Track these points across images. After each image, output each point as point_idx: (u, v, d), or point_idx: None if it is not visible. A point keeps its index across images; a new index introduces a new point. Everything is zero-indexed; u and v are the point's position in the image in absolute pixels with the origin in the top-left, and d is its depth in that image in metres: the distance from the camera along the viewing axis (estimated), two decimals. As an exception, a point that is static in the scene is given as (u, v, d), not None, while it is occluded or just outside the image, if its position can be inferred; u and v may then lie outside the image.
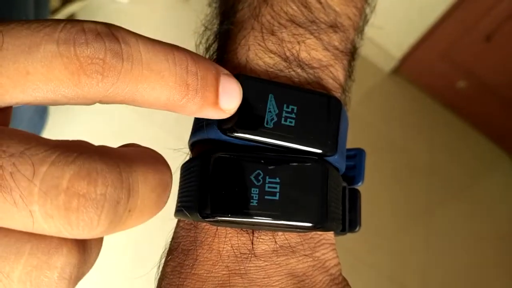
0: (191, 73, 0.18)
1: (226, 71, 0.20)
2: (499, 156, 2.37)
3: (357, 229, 0.26)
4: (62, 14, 1.66)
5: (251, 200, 0.20)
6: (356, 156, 0.27)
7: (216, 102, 0.19)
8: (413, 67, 2.35)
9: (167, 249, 0.24)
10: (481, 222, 2.06)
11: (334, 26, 0.26)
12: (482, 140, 2.37)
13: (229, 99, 0.19)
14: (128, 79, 0.16)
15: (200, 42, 0.29)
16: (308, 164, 0.21)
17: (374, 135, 2.06)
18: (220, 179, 0.21)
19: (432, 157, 2.20)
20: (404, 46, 2.28)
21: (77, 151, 0.15)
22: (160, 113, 1.69)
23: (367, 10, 0.29)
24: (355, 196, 0.26)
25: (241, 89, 0.20)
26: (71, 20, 0.16)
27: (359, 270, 1.63)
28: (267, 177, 0.21)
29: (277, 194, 0.21)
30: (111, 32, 0.16)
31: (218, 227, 0.22)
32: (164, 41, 0.18)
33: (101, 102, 0.17)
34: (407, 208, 1.96)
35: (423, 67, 2.33)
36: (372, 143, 1.97)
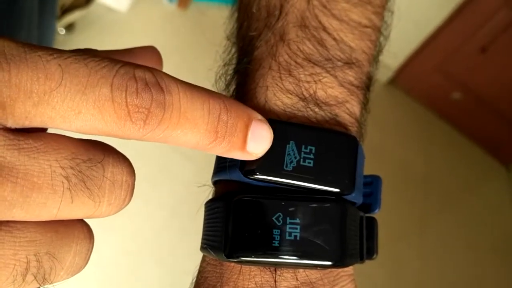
0: (222, 121, 0.19)
1: (260, 117, 0.21)
2: (494, 167, 2.38)
3: (374, 256, 0.26)
4: (61, 23, 1.67)
5: (273, 241, 0.21)
6: (373, 183, 0.28)
7: (243, 147, 0.20)
8: (409, 78, 2.36)
9: (194, 282, 0.25)
10: (475, 233, 2.07)
11: (349, 63, 0.26)
12: (477, 150, 2.38)
13: (257, 144, 0.20)
14: (165, 126, 0.17)
15: (220, 77, 0.29)
16: (327, 204, 0.22)
17: (370, 145, 2.06)
18: (243, 221, 0.22)
19: (427, 167, 2.21)
20: (400, 57, 2.29)
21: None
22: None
23: (381, 39, 0.30)
24: (372, 224, 0.27)
25: (271, 134, 0.21)
26: (123, 64, 0.17)
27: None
28: (288, 218, 0.22)
29: (298, 234, 0.22)
30: (157, 82, 0.17)
31: (242, 266, 0.23)
32: (201, 87, 0.19)
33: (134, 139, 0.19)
34: (401, 218, 1.97)
35: (419, 79, 2.35)
36: (367, 153, 1.97)
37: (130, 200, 0.19)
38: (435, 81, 2.31)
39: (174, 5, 2.14)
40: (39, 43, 0.49)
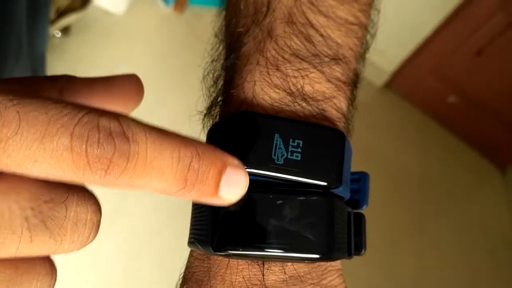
0: (193, 169, 0.18)
1: (236, 162, 0.20)
2: (490, 170, 2.39)
3: (362, 252, 0.27)
4: (57, 26, 1.67)
5: (261, 234, 0.21)
6: (360, 180, 0.28)
7: (214, 193, 0.19)
8: (405, 82, 2.37)
9: (181, 278, 0.25)
10: (471, 236, 2.07)
11: (336, 59, 0.27)
12: (473, 154, 2.39)
13: (231, 190, 0.20)
14: (129, 176, 0.17)
15: (207, 74, 0.29)
16: (314, 198, 0.22)
17: (366, 149, 2.07)
18: (230, 214, 0.22)
19: (423, 171, 2.21)
20: (396, 61, 2.30)
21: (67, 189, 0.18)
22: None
23: (368, 37, 0.30)
24: (359, 220, 0.27)
25: (247, 180, 0.20)
26: (88, 111, 0.17)
27: (348, 284, 1.63)
28: (275, 211, 0.22)
29: (286, 227, 0.22)
30: (122, 131, 0.17)
31: (230, 259, 0.23)
32: (175, 132, 0.19)
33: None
34: (397, 221, 1.97)
35: (415, 82, 2.36)
36: (363, 156, 1.98)
37: (94, 237, 0.19)
38: (431, 85, 2.32)
39: (170, 8, 2.14)
40: (30, 48, 0.48)
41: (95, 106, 0.17)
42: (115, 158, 0.17)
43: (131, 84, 0.25)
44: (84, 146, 0.16)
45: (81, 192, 0.18)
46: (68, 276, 1.35)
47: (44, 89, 0.22)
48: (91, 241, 0.19)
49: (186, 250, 0.26)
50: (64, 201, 0.17)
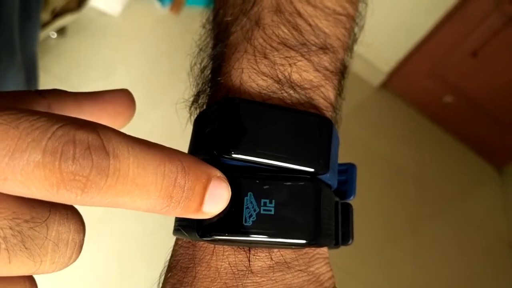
0: (178, 186, 0.18)
1: (219, 174, 0.20)
2: (486, 170, 2.39)
3: (349, 242, 0.26)
4: (52, 27, 1.66)
5: (247, 219, 0.21)
6: (348, 171, 0.28)
7: (198, 209, 0.19)
8: (401, 82, 2.38)
9: (166, 267, 0.25)
10: (467, 236, 2.08)
11: (324, 48, 0.27)
12: (470, 154, 2.40)
13: (214, 204, 0.19)
14: (109, 194, 0.16)
15: (195, 64, 0.29)
16: (302, 183, 0.22)
17: (362, 149, 2.07)
18: None
19: (419, 171, 2.22)
20: (392, 61, 2.31)
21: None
22: (147, 128, 1.69)
23: (356, 29, 0.30)
24: (347, 210, 0.27)
25: (229, 193, 0.20)
26: (63, 123, 0.15)
27: (345, 284, 1.63)
28: (262, 196, 0.22)
29: (272, 213, 0.21)
30: (102, 145, 0.16)
31: (216, 245, 0.23)
32: (160, 144, 0.18)
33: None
34: (394, 221, 1.97)
35: (411, 82, 2.36)
36: (359, 156, 1.98)
37: (77, 257, 0.18)
38: (427, 85, 2.33)
39: (166, 9, 2.14)
40: (22, 50, 0.48)
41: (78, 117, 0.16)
42: (93, 176, 0.15)
43: (122, 99, 0.24)
44: (57, 162, 0.15)
45: (64, 210, 0.17)
46: (63, 277, 1.34)
47: (32, 103, 0.21)
48: (74, 261, 0.18)
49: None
50: (45, 220, 0.16)
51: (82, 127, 0.16)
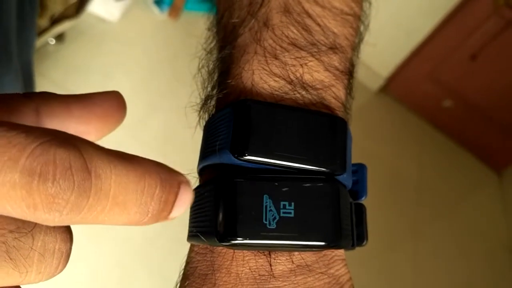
0: (156, 198, 0.17)
1: (185, 179, 0.19)
2: (486, 174, 2.39)
3: (364, 243, 0.26)
4: (51, 33, 1.66)
5: (267, 223, 0.21)
6: (358, 171, 0.28)
7: (167, 217, 0.18)
8: (400, 86, 2.38)
9: (181, 275, 0.24)
10: (468, 239, 2.07)
11: (333, 48, 0.26)
12: (469, 158, 2.39)
13: (180, 209, 0.19)
14: (89, 214, 0.15)
15: (202, 66, 0.29)
16: (320, 184, 0.22)
17: (362, 153, 2.07)
18: (235, 203, 0.21)
19: (419, 175, 2.21)
20: (391, 65, 2.31)
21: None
22: (146, 134, 1.68)
23: (362, 28, 0.30)
24: (360, 210, 0.26)
25: (193, 196, 0.19)
26: (44, 141, 0.14)
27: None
28: (282, 199, 0.21)
29: (292, 215, 0.21)
30: (84, 165, 0.15)
31: (235, 250, 0.22)
32: (139, 157, 0.17)
33: None
34: (394, 225, 1.97)
35: (410, 86, 2.36)
36: (359, 160, 1.97)
37: (64, 267, 0.17)
38: (426, 89, 2.33)
39: (165, 15, 2.14)
40: (19, 56, 0.48)
41: (60, 129, 0.16)
42: (74, 197, 0.14)
43: (111, 101, 0.24)
44: (35, 183, 0.14)
45: None
46: (62, 285, 1.34)
47: (19, 106, 0.21)
48: (61, 271, 0.17)
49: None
50: (31, 230, 0.16)
51: (63, 145, 0.15)
